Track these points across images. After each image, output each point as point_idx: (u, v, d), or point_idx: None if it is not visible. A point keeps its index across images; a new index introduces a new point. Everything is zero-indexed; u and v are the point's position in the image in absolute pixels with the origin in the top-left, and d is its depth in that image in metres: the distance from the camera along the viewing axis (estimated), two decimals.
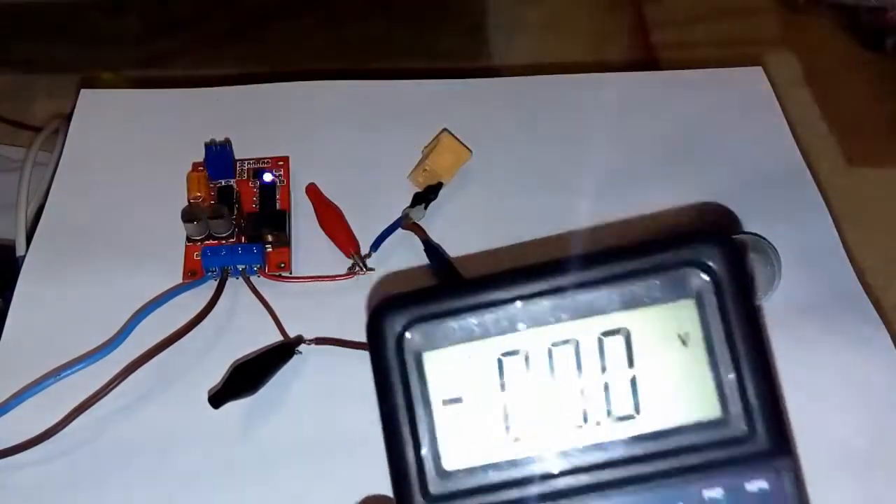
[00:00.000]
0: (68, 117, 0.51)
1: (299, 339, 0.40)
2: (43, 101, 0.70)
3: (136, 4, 0.75)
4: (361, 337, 0.40)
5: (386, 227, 0.44)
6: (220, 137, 0.49)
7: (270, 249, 0.44)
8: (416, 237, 0.44)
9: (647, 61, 0.87)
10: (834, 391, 0.39)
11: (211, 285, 0.42)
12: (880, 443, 0.37)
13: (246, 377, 0.37)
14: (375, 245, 0.44)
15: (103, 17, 0.74)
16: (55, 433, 0.37)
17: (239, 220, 0.45)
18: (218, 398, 0.36)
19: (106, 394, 0.37)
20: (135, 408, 0.38)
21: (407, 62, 0.72)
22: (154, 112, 0.52)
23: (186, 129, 0.49)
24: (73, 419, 0.37)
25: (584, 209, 0.46)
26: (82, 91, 0.52)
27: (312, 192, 0.47)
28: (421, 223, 0.45)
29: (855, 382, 0.39)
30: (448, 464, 0.23)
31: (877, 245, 0.60)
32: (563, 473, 0.22)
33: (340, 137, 0.50)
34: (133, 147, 0.50)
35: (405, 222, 0.44)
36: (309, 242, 0.45)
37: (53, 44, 0.74)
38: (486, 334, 0.23)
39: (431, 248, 0.43)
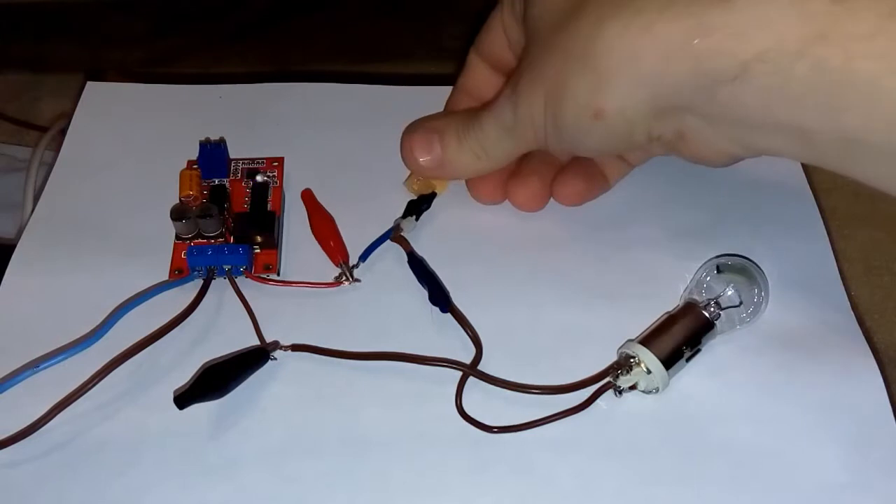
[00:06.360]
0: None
1: (275, 345, 0.40)
2: (49, 101, 0.70)
3: (142, 4, 0.75)
4: (341, 345, 0.40)
5: (377, 237, 0.44)
6: (221, 135, 0.49)
7: (258, 251, 0.44)
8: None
9: None
10: (816, 423, 0.38)
11: (198, 284, 0.42)
12: (860, 478, 0.36)
13: (215, 379, 0.37)
14: (364, 256, 0.43)
15: (110, 16, 0.75)
16: (33, 432, 0.36)
17: (228, 220, 0.44)
18: (184, 399, 0.36)
19: (86, 391, 0.37)
20: (111, 406, 0.38)
21: (413, 62, 0.72)
22: (157, 107, 0.52)
23: (188, 126, 0.49)
24: (52, 417, 0.37)
25: (574, 225, 0.46)
26: (88, 83, 0.52)
27: (307, 197, 0.46)
28: (412, 233, 0.45)
29: (838, 415, 0.38)
30: None
31: (884, 244, 0.59)
32: None
33: (339, 140, 0.50)
34: (134, 141, 0.50)
35: (394, 234, 0.44)
36: (301, 245, 0.45)
37: (59, 43, 0.75)
38: None
39: (415, 261, 0.43)
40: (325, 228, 0.45)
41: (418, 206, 0.45)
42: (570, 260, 0.44)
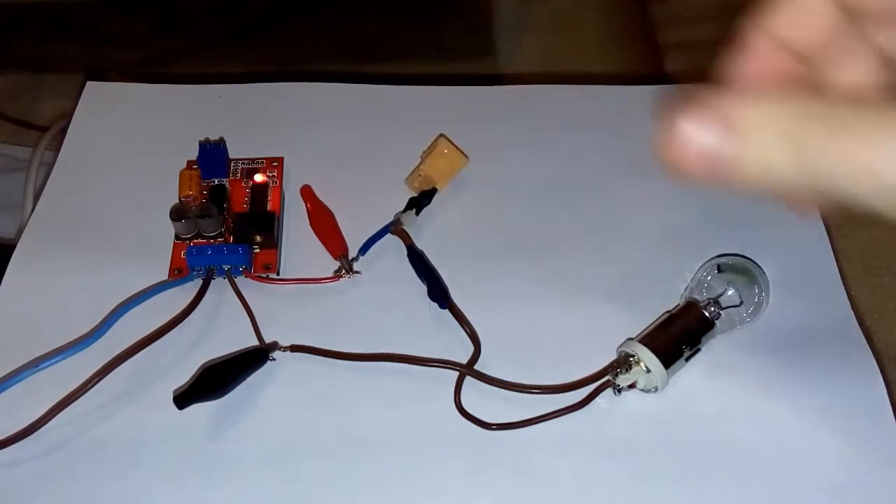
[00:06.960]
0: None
1: (274, 346, 0.40)
2: (49, 101, 0.70)
3: (142, 4, 0.76)
4: (340, 344, 0.40)
5: (377, 230, 0.44)
6: (221, 135, 0.49)
7: (258, 250, 0.44)
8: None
9: (653, 62, 0.85)
10: (816, 423, 0.38)
11: (197, 284, 0.42)
12: (860, 478, 0.36)
13: (214, 380, 0.37)
14: (364, 249, 0.43)
15: (110, 16, 0.75)
16: (32, 432, 0.37)
17: (228, 220, 0.44)
18: (183, 399, 0.36)
19: (85, 391, 0.37)
20: (110, 406, 0.38)
21: (413, 62, 0.72)
22: (157, 107, 0.52)
23: (187, 126, 0.49)
24: (52, 418, 0.37)
25: (575, 224, 0.46)
26: (88, 83, 0.52)
27: (306, 193, 0.46)
28: (413, 228, 0.45)
29: (838, 415, 0.38)
30: None
31: (884, 244, 0.59)
32: None
33: (339, 140, 0.50)
34: (134, 141, 0.50)
35: (395, 227, 0.44)
36: (300, 244, 0.45)
37: (60, 43, 0.75)
38: None
39: (415, 254, 0.43)
40: (324, 223, 0.45)
41: (419, 202, 0.45)
42: (570, 259, 0.44)
